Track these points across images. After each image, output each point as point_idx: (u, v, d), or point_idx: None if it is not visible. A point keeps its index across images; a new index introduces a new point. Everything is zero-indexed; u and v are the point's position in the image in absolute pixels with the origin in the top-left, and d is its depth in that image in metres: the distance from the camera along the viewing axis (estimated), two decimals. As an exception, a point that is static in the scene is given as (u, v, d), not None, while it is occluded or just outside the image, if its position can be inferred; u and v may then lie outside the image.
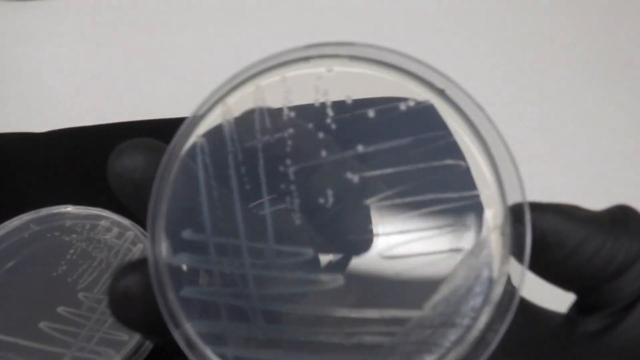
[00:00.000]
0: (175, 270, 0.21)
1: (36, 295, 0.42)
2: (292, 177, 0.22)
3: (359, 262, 0.22)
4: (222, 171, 0.21)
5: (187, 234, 0.21)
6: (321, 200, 0.22)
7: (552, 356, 0.22)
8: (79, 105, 0.63)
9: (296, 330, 0.21)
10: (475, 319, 0.21)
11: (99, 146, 0.53)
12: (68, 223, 0.46)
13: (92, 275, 0.43)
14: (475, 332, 0.21)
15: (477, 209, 0.22)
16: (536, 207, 0.21)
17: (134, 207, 0.22)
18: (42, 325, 0.40)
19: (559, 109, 0.63)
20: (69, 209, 0.47)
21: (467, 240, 0.22)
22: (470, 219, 0.22)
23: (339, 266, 0.22)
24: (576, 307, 0.23)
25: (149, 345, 0.40)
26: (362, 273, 0.22)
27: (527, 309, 0.24)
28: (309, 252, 0.22)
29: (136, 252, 0.44)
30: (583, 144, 0.60)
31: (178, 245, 0.21)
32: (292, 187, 0.22)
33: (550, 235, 0.21)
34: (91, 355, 0.39)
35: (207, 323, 0.21)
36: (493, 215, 0.22)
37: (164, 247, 0.21)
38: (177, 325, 0.21)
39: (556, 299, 0.24)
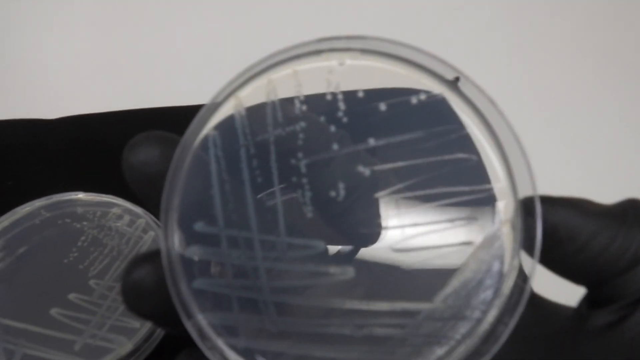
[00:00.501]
0: (187, 262, 0.22)
1: (47, 282, 0.43)
2: (303, 170, 0.22)
3: (369, 255, 0.23)
4: (234, 164, 0.22)
5: (199, 226, 0.22)
6: (333, 194, 0.22)
7: (562, 350, 0.23)
8: (88, 93, 0.63)
9: (307, 322, 0.22)
10: (485, 312, 0.22)
11: (109, 133, 0.54)
12: (79, 210, 0.47)
13: (103, 263, 0.44)
14: (485, 325, 0.22)
15: (488, 202, 0.22)
16: (547, 201, 0.22)
17: (149, 200, 0.23)
18: (54, 312, 0.41)
19: (570, 104, 0.63)
20: (80, 195, 0.47)
21: (478, 233, 0.22)
22: (482, 212, 0.22)
23: (349, 259, 0.22)
24: (586, 301, 0.24)
25: (160, 332, 0.41)
26: (372, 265, 0.23)
27: (537, 302, 0.24)
28: (320, 244, 0.22)
29: (147, 240, 0.45)
30: (594, 138, 0.60)
31: (191, 238, 0.22)
32: (304, 180, 0.22)
33: (561, 229, 0.22)
34: (103, 343, 0.40)
35: (219, 314, 0.22)
36: (504, 208, 0.22)
37: (176, 239, 0.22)
38: (189, 316, 0.22)
39: (566, 293, 0.24)
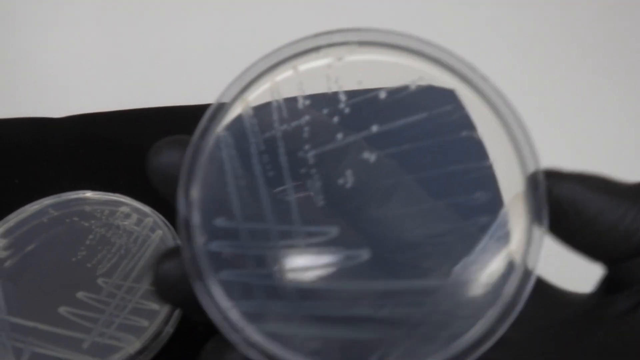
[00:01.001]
0: (211, 256, 0.23)
1: (56, 280, 0.44)
2: (311, 161, 0.23)
3: (382, 236, 0.24)
4: (247, 161, 0.23)
5: (219, 222, 0.23)
6: (341, 181, 0.23)
7: (574, 339, 0.23)
8: (94, 91, 0.64)
9: (328, 305, 0.23)
10: (497, 290, 0.22)
11: (115, 132, 0.55)
12: (87, 208, 0.48)
13: (111, 261, 0.44)
14: (499, 304, 0.22)
15: (495, 179, 0.23)
16: (554, 175, 0.22)
17: (175, 200, 0.24)
18: (62, 310, 0.42)
19: (570, 102, 0.64)
20: (88, 194, 0.48)
21: (486, 211, 0.23)
22: (489, 190, 0.23)
23: (364, 242, 0.23)
24: (603, 286, 0.24)
25: (168, 331, 0.42)
26: (386, 247, 0.24)
27: (547, 291, 0.24)
28: (334, 230, 0.23)
29: (155, 239, 0.46)
30: (595, 137, 0.61)
31: (212, 233, 0.23)
32: (313, 171, 0.23)
33: (565, 203, 0.22)
34: (111, 341, 0.41)
35: (245, 303, 0.23)
36: (511, 184, 0.23)
37: (198, 236, 0.23)
38: (216, 306, 0.23)
39: (579, 281, 0.25)
